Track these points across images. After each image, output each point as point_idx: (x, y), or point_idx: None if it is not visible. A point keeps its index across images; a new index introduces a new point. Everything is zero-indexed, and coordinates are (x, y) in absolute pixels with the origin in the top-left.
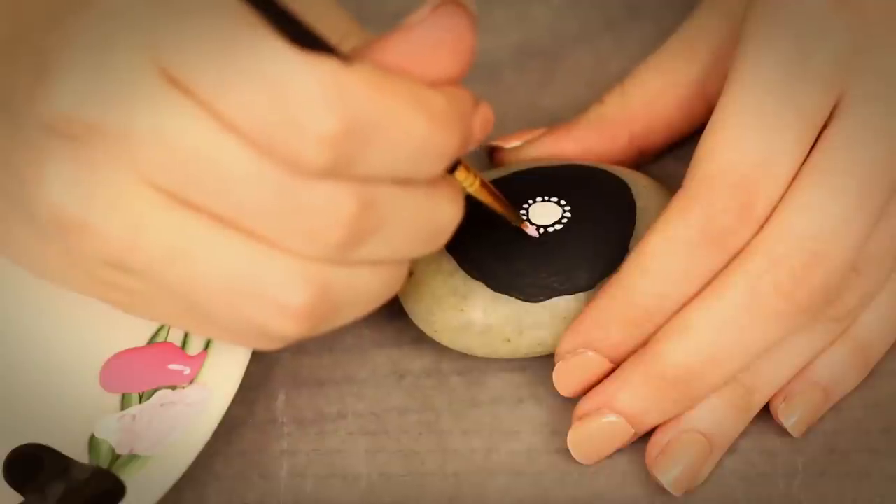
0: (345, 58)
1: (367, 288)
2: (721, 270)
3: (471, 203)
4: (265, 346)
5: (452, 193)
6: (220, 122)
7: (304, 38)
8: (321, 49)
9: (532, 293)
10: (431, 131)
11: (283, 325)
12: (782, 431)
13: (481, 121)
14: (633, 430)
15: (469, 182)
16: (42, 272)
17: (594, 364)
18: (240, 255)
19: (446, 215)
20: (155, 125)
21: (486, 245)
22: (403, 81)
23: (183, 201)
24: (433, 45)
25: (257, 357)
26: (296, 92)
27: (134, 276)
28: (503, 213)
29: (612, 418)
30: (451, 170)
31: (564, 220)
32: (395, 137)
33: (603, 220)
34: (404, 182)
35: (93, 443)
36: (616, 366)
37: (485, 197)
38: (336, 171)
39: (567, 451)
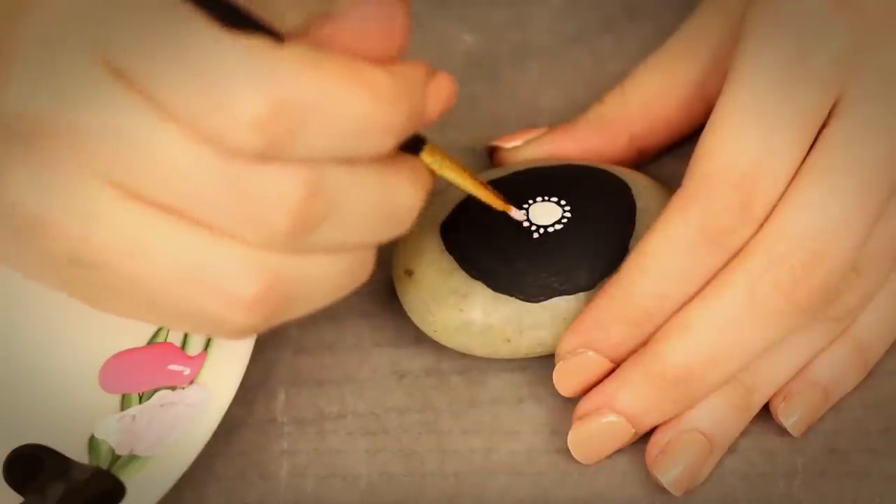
0: (277, 38)
1: (324, 276)
2: (721, 270)
3: (470, 203)
4: (224, 336)
5: (412, 174)
6: (161, 111)
7: (237, 19)
8: (254, 29)
9: (532, 293)
10: (372, 107)
11: (236, 316)
12: (782, 431)
13: (439, 94)
14: (634, 430)
15: (437, 164)
16: (22, 270)
17: (594, 364)
18: (191, 247)
19: (405, 197)
20: (102, 119)
21: (486, 245)
22: (339, 59)
23: (135, 194)
24: (368, 23)
25: (257, 357)
26: (223, 75)
27: (93, 270)
28: (483, 197)
29: (613, 418)
30: (417, 151)
31: (564, 220)
32: (333, 115)
33: (603, 220)
34: (352, 162)
35: (93, 443)
36: (616, 366)
37: (458, 179)
38: (273, 154)
39: (567, 451)
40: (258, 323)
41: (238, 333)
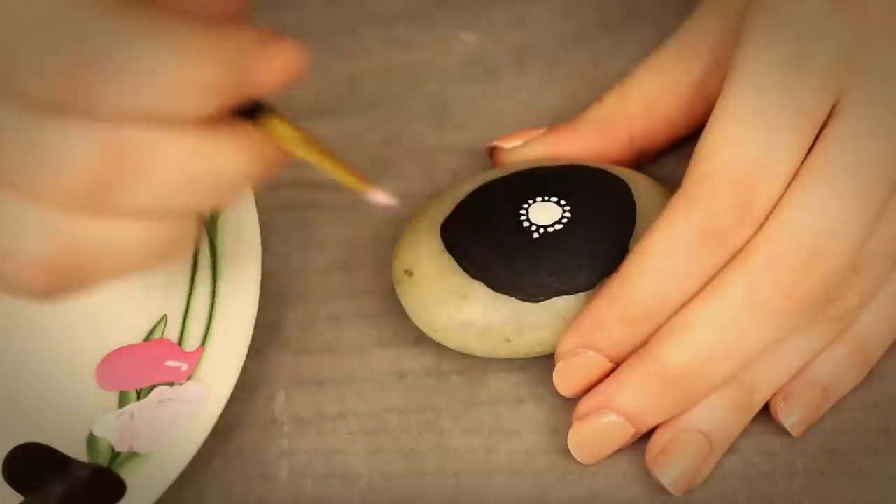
0: None
1: (132, 243)
2: (721, 269)
3: (470, 203)
4: (20, 296)
5: (239, 141)
6: None
7: None
8: None
9: (532, 293)
10: (182, 64)
11: (29, 277)
12: (782, 431)
13: (279, 60)
14: (634, 430)
15: (282, 135)
16: None
17: (594, 364)
18: None
19: (228, 164)
20: None
21: (486, 245)
22: (148, 11)
23: None
24: None
25: (257, 357)
26: (13, 24)
27: None
28: (338, 174)
29: (613, 418)
30: (254, 118)
31: (564, 220)
32: (138, 69)
33: (603, 220)
34: (162, 123)
35: (91, 441)
36: (616, 366)
37: (310, 155)
38: (71, 108)
39: (567, 451)
40: (51, 285)
41: (33, 295)
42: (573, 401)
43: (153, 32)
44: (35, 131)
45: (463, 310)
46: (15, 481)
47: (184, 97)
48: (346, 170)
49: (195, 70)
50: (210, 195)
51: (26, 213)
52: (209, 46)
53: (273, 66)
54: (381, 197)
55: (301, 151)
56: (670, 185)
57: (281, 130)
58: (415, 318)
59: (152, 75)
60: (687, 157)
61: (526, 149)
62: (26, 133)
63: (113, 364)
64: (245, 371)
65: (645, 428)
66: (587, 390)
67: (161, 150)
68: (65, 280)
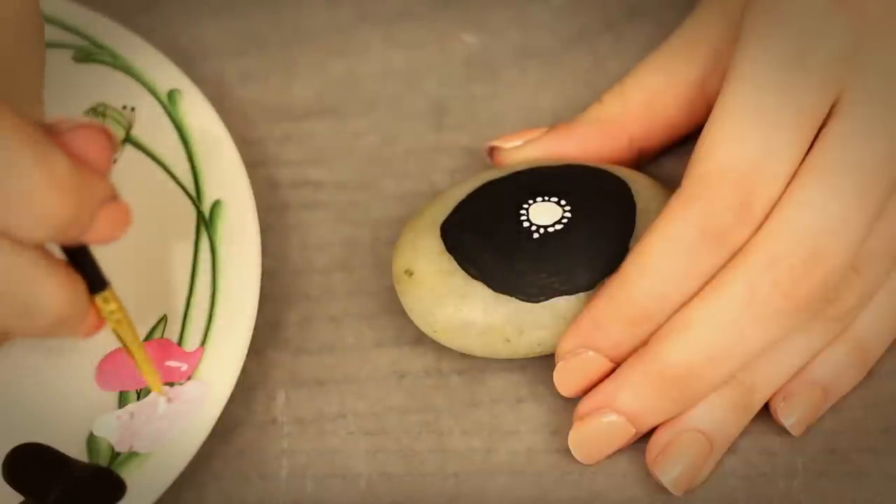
0: None
1: None
2: (720, 269)
3: (470, 203)
4: None
5: (63, 282)
6: None
7: None
8: None
9: (532, 293)
10: (38, 185)
11: None
12: (782, 431)
13: (112, 214)
14: (634, 430)
15: (111, 313)
16: None
17: (594, 364)
18: None
19: (43, 298)
20: None
21: (486, 245)
22: (22, 126)
23: None
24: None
25: (257, 357)
26: None
27: None
28: (143, 367)
29: (613, 418)
30: (94, 292)
31: (564, 220)
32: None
33: (603, 219)
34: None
35: (91, 441)
36: (617, 366)
37: (123, 335)
38: None
39: (567, 451)
40: None
41: None
42: (573, 401)
43: (23, 144)
44: None
45: (463, 310)
46: (15, 481)
47: (28, 216)
48: (146, 361)
49: (50, 194)
50: (17, 318)
51: None
52: (69, 181)
53: (109, 222)
54: (161, 396)
55: (118, 330)
56: (670, 185)
57: (108, 304)
58: (415, 318)
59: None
60: (687, 157)
61: (526, 149)
62: None
63: (113, 364)
64: (245, 371)
65: (645, 428)
66: (587, 390)
67: None
68: None
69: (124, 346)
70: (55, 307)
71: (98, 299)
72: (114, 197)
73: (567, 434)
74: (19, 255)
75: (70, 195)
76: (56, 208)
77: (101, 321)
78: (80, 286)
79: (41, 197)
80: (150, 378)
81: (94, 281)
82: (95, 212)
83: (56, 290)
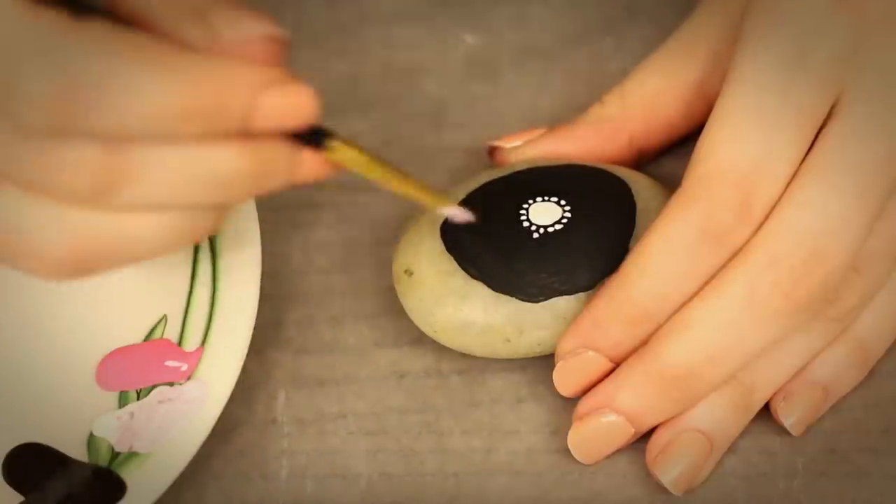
0: (80, 12)
1: (145, 233)
2: (720, 269)
3: (471, 203)
4: (37, 277)
5: (243, 150)
6: None
7: None
8: (55, 4)
9: (532, 293)
10: (169, 89)
11: (50, 271)
12: (782, 431)
13: (284, 99)
14: (634, 430)
15: (350, 158)
16: None
17: (594, 364)
18: (4, 204)
19: (228, 165)
20: None
21: (486, 245)
22: (138, 39)
23: None
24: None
25: (258, 357)
26: (10, 54)
27: None
28: (412, 195)
29: (613, 418)
30: (318, 144)
31: (564, 220)
32: (126, 95)
33: (603, 219)
34: (156, 137)
35: (91, 441)
36: (616, 365)
37: (376, 176)
38: (67, 130)
39: (567, 451)
40: (78, 273)
41: (57, 280)
42: (573, 401)
43: (140, 59)
44: (42, 146)
45: (463, 310)
46: (15, 481)
47: (166, 120)
48: (415, 188)
49: (176, 95)
50: (215, 193)
51: (44, 212)
52: (196, 75)
53: (276, 104)
54: (455, 212)
55: (367, 173)
56: (670, 185)
57: (345, 154)
58: (415, 318)
59: (142, 100)
60: (687, 157)
61: (526, 149)
62: (36, 148)
63: (113, 364)
64: (245, 371)
65: (645, 428)
66: (587, 390)
67: (160, 155)
68: (88, 267)
69: (379, 182)
70: (245, 169)
71: (326, 154)
72: (278, 79)
73: (567, 434)
74: (183, 146)
75: (194, 89)
76: (186, 105)
77: (325, 165)
78: (265, 146)
79: (168, 102)
80: (422, 197)
81: (321, 137)
82: (248, 95)
83: (238, 155)
